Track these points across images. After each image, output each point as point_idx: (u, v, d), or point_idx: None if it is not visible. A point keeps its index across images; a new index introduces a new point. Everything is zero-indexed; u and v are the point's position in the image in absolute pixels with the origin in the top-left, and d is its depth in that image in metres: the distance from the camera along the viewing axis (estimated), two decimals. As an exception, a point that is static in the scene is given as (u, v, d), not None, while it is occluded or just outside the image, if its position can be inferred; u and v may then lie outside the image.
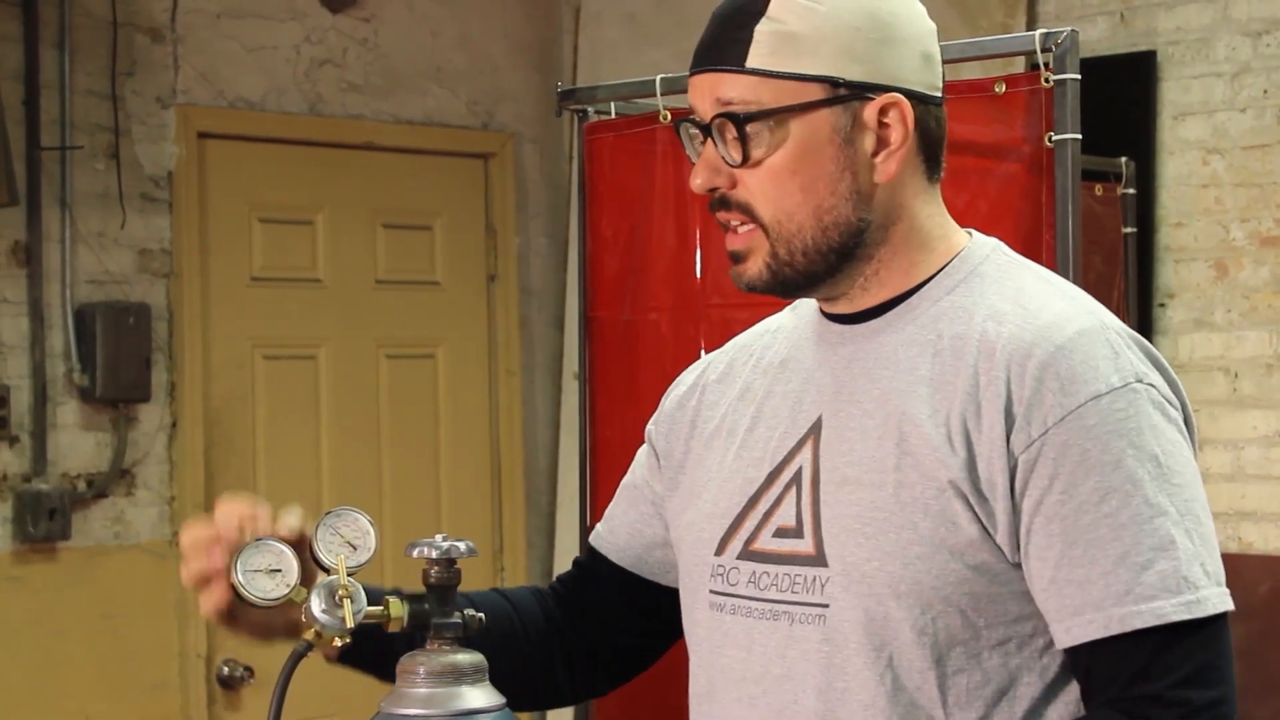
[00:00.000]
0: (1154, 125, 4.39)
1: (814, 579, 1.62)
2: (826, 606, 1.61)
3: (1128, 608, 1.51)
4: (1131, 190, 4.29)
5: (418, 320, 5.00)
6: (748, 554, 1.69)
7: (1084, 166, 2.91)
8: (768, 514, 1.69)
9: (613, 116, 3.52)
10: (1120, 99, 4.36)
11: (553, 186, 5.29)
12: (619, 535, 1.90)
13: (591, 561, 1.92)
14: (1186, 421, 1.60)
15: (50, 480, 4.23)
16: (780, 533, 1.66)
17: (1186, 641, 1.51)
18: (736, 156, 1.63)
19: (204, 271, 4.55)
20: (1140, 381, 1.55)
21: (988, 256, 1.67)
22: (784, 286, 1.66)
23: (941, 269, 1.67)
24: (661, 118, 3.34)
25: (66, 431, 4.29)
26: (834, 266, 1.65)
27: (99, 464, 4.34)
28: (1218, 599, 1.53)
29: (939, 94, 1.68)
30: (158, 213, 4.46)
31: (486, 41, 5.13)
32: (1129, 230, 4.29)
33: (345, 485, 4.76)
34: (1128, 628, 1.51)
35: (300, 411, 4.74)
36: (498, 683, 1.60)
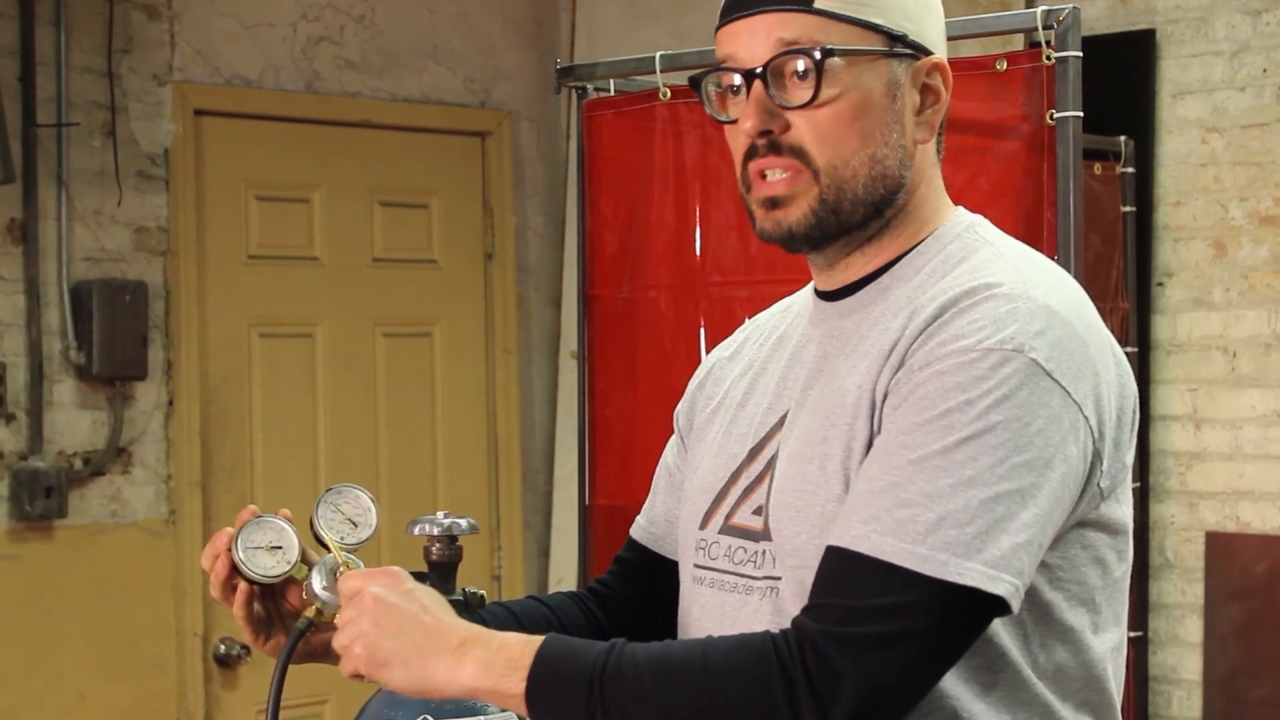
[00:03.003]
0: (1153, 104, 4.38)
1: (765, 553, 1.64)
2: (779, 579, 1.62)
3: (864, 529, 1.47)
4: (1130, 169, 4.28)
5: (414, 298, 4.99)
6: (727, 529, 1.70)
7: (1083, 145, 2.90)
8: (748, 490, 1.69)
9: (612, 94, 3.51)
10: (1119, 78, 4.35)
11: (549, 164, 5.27)
12: (658, 524, 1.88)
13: (632, 554, 1.91)
14: (1100, 420, 1.52)
15: (47, 458, 4.23)
16: (758, 510, 1.67)
17: (897, 591, 1.44)
18: (805, 95, 1.59)
19: (200, 249, 4.54)
20: (1019, 351, 1.49)
21: (959, 235, 1.66)
22: (822, 232, 1.63)
23: (914, 247, 1.66)
24: (661, 95, 3.33)
25: (63, 409, 4.28)
26: (864, 221, 1.63)
27: (95, 442, 4.33)
28: (958, 570, 1.43)
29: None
30: (154, 190, 4.45)
31: (483, 19, 5.12)
32: (1128, 209, 4.29)
33: (342, 464, 4.75)
34: (851, 546, 1.47)
35: (297, 390, 4.73)
36: None
